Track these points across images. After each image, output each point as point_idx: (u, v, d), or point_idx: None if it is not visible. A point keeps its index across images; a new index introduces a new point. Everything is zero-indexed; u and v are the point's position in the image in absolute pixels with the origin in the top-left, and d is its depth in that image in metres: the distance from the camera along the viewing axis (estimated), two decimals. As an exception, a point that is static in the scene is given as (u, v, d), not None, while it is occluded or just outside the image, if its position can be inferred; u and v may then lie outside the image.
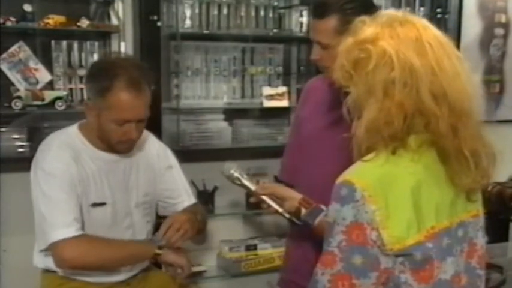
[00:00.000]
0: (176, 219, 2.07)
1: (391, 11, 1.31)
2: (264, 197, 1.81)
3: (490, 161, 1.28)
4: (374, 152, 1.23)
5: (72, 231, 1.91)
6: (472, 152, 1.24)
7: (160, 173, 2.21)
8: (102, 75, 1.95)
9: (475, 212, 1.33)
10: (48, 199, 1.93)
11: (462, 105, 1.23)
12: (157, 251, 2.03)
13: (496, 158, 1.28)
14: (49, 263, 2.03)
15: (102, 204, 2.03)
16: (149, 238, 2.11)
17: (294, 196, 1.77)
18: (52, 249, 1.94)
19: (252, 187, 1.86)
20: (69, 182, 1.95)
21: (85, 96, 2.09)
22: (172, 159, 2.27)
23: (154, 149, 2.22)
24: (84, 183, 1.98)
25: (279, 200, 1.80)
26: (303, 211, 1.72)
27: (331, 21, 1.79)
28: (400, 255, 1.18)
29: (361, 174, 1.21)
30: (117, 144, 2.01)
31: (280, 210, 1.79)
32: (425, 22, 1.29)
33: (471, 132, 1.25)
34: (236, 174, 1.88)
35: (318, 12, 1.82)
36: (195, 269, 3.03)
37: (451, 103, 1.21)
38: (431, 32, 1.27)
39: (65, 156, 1.97)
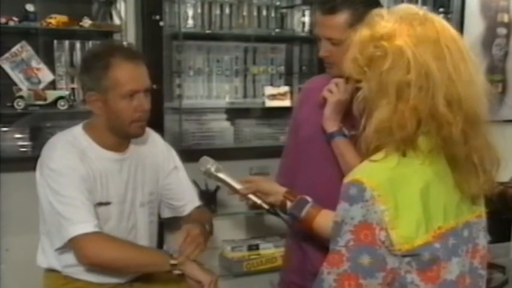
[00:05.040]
0: (190, 233, 2.02)
1: (411, 6, 1.29)
2: (249, 196, 1.81)
3: (494, 166, 1.28)
4: (383, 152, 1.22)
5: (91, 226, 1.89)
6: (481, 159, 1.24)
7: (165, 174, 2.20)
8: (97, 59, 1.94)
9: (478, 212, 1.33)
10: (61, 196, 1.92)
11: (475, 113, 1.22)
12: (172, 262, 1.95)
13: (500, 163, 1.28)
14: (52, 262, 2.03)
15: (108, 203, 2.01)
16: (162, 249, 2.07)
17: (278, 190, 1.77)
18: (72, 245, 1.92)
19: (234, 184, 1.85)
20: (78, 179, 1.94)
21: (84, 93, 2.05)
22: (177, 160, 2.26)
23: (159, 148, 2.21)
24: (91, 182, 1.97)
25: (264, 195, 1.79)
26: (289, 204, 1.72)
27: (343, 17, 1.77)
28: (407, 256, 1.18)
29: (370, 173, 1.20)
30: (131, 125, 1.97)
31: (266, 207, 1.79)
32: (444, 22, 1.27)
33: (481, 139, 1.24)
34: (213, 169, 1.88)
35: (328, 7, 1.80)
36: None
37: (465, 110, 1.20)
38: (450, 33, 1.25)
39: (71, 155, 1.96)
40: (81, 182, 1.94)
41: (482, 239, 1.34)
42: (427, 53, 1.19)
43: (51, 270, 2.06)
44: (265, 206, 1.78)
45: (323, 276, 1.21)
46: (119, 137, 2.04)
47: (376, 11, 1.28)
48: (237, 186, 1.84)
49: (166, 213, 2.26)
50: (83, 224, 1.89)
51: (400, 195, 1.17)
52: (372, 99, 1.23)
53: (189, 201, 2.24)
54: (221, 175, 1.88)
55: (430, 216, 1.19)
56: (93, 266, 1.96)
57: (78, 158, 1.96)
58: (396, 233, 1.16)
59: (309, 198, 1.69)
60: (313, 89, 1.99)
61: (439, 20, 1.26)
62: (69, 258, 1.99)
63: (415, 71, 1.19)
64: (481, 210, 1.34)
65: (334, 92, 1.81)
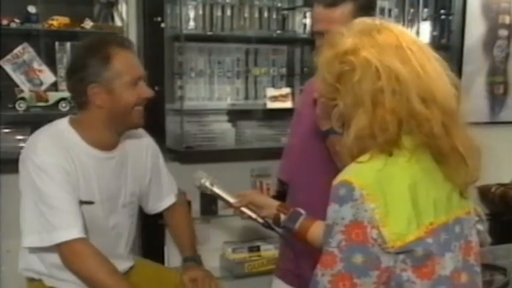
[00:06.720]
0: (201, 281, 2.09)
1: (366, 19, 1.34)
2: (242, 209, 1.80)
3: (477, 154, 1.30)
4: (368, 153, 1.24)
5: (75, 232, 1.86)
6: (465, 147, 1.26)
7: (147, 171, 2.17)
8: (94, 52, 1.92)
9: (468, 209, 1.34)
10: (45, 196, 1.87)
11: (450, 104, 1.25)
12: None
13: (480, 152, 1.30)
14: (34, 268, 2.00)
15: (90, 203, 1.96)
16: None
17: (271, 204, 1.78)
18: (57, 250, 1.90)
19: (228, 198, 1.85)
20: (63, 176, 1.89)
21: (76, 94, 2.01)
22: (161, 156, 2.25)
23: (143, 147, 2.16)
24: (73, 178, 1.91)
25: (257, 208, 1.79)
26: (282, 217, 1.72)
27: (347, 8, 1.78)
28: (401, 253, 1.19)
29: (358, 173, 1.22)
30: (135, 114, 1.96)
31: (260, 220, 1.79)
32: (401, 27, 1.32)
33: (461, 128, 1.27)
34: (207, 183, 1.88)
35: (330, 1, 1.79)
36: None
37: (440, 104, 1.24)
38: (409, 36, 1.30)
39: (54, 148, 1.90)
40: (66, 179, 1.89)
41: (475, 236, 1.35)
42: (393, 58, 1.23)
43: (33, 279, 2.03)
44: (260, 220, 1.79)
45: (317, 278, 1.22)
46: (115, 132, 2.00)
47: (335, 31, 1.33)
48: (231, 199, 1.84)
49: (151, 209, 2.27)
50: (66, 230, 1.85)
51: (388, 193, 1.19)
52: (349, 112, 1.27)
53: (168, 195, 2.26)
54: (215, 189, 1.88)
55: (420, 212, 1.21)
56: (72, 272, 1.92)
57: (62, 152, 1.91)
58: (388, 230, 1.17)
59: (302, 211, 1.71)
60: (311, 89, 2.00)
61: (395, 26, 1.32)
62: (53, 257, 1.94)
63: (385, 77, 1.22)
64: (470, 206, 1.36)
65: None
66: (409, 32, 1.33)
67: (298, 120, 2.09)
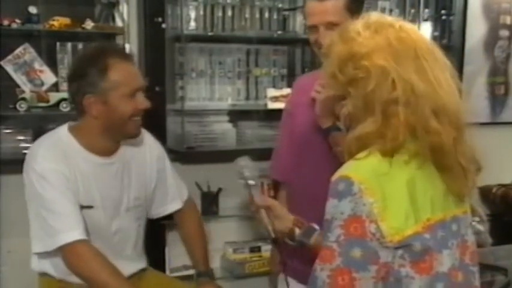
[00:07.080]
0: None
1: (384, 16, 1.32)
2: (262, 213, 1.74)
3: (475, 166, 1.30)
4: (366, 150, 1.24)
5: (76, 234, 1.87)
6: (467, 161, 1.27)
7: (152, 176, 2.17)
8: (92, 63, 1.92)
9: (464, 208, 1.35)
10: (47, 202, 1.89)
11: (459, 119, 1.25)
12: None
13: (479, 163, 1.30)
14: (45, 266, 2.01)
15: (90, 207, 1.97)
16: None
17: (289, 217, 1.74)
18: (61, 253, 1.91)
19: (255, 194, 1.79)
20: (63, 181, 1.91)
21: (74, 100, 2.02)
22: (167, 161, 2.25)
23: (148, 150, 2.17)
24: (72, 184, 1.94)
25: (274, 217, 1.73)
26: (297, 231, 1.70)
27: (340, 0, 1.80)
28: (399, 248, 1.19)
29: (356, 169, 1.22)
30: (131, 124, 1.97)
31: (272, 235, 1.72)
32: (417, 31, 1.31)
33: (466, 142, 1.27)
34: (246, 173, 1.84)
35: None
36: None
37: (451, 119, 1.24)
38: (425, 43, 1.28)
39: (54, 155, 1.93)
40: (65, 184, 1.91)
41: (471, 236, 1.35)
42: (409, 68, 1.22)
43: (45, 274, 2.04)
44: (272, 234, 1.72)
45: (316, 273, 1.22)
46: (112, 140, 2.02)
47: (351, 26, 1.29)
48: (256, 196, 1.79)
49: (155, 213, 2.27)
50: (67, 233, 1.87)
51: (387, 188, 1.19)
52: (357, 115, 1.26)
53: (175, 200, 2.26)
54: (250, 182, 1.81)
55: (418, 208, 1.21)
56: (75, 274, 1.93)
57: (61, 159, 1.93)
58: (386, 225, 1.18)
59: (316, 226, 1.69)
60: (305, 86, 2.00)
61: (413, 30, 1.30)
62: (60, 262, 1.95)
63: (400, 88, 1.21)
64: (467, 206, 1.36)
65: (321, 90, 1.82)
66: (425, 37, 1.30)
67: (291, 121, 2.08)
